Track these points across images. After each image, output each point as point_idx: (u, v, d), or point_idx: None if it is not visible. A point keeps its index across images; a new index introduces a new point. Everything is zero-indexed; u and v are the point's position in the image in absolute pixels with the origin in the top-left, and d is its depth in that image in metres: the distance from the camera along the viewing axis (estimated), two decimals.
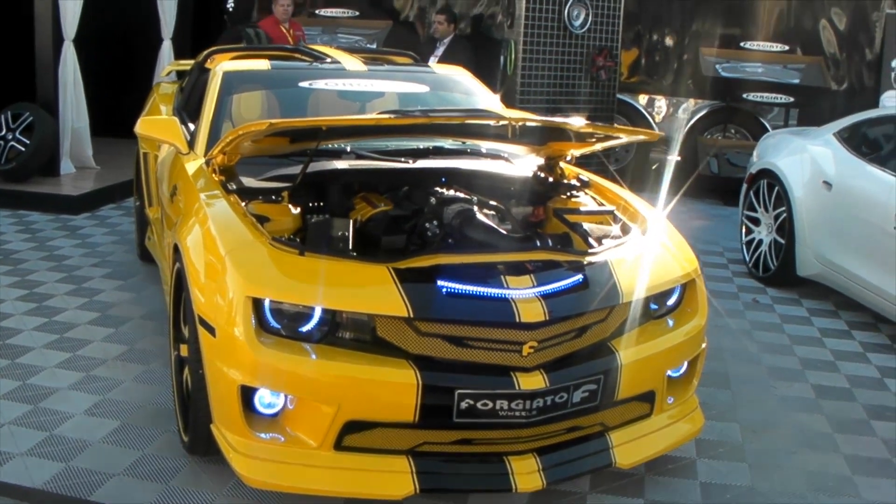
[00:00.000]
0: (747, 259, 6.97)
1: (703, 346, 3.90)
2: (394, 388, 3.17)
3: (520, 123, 3.77)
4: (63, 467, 3.67)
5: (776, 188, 6.60)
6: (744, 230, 7.08)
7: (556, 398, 3.31)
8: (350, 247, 3.58)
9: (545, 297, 3.33)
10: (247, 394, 3.26)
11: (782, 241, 6.48)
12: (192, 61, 6.63)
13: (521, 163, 4.69)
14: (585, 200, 4.38)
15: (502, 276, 3.35)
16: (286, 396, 3.28)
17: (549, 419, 3.34)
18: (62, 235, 7.07)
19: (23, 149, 8.10)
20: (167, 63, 9.04)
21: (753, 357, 5.26)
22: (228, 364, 3.24)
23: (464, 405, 3.20)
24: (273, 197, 3.91)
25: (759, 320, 5.92)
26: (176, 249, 3.90)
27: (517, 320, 3.24)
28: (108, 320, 5.30)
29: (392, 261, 3.36)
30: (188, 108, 5.49)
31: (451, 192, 4.04)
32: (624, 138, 4.50)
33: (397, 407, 3.18)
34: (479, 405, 3.21)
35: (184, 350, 3.89)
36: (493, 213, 3.96)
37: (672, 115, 10.30)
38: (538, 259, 3.54)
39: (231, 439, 3.32)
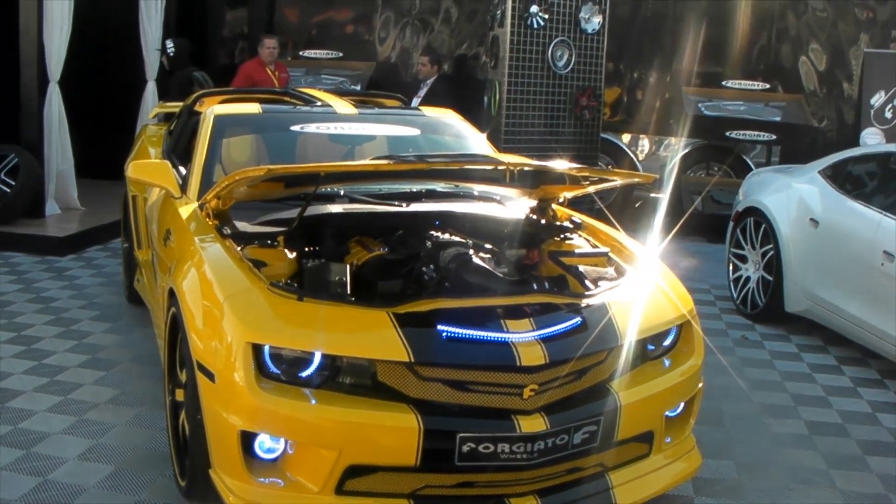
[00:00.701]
0: (735, 296, 7.01)
1: (700, 385, 3.91)
2: (395, 433, 3.15)
3: (520, 168, 3.79)
4: None
5: (763, 226, 6.66)
6: (731, 267, 7.13)
7: (557, 440, 3.31)
8: (348, 291, 3.58)
9: (545, 340, 3.34)
10: (247, 439, 3.24)
11: (770, 278, 6.53)
12: (178, 104, 6.65)
13: (514, 205, 4.71)
14: (579, 242, 4.40)
15: (502, 320, 3.36)
16: (286, 441, 3.26)
17: (551, 461, 3.34)
18: (49, 277, 7.02)
19: (7, 190, 8.08)
20: (151, 104, 9.07)
21: (745, 394, 5.28)
22: (228, 409, 3.22)
23: (465, 448, 3.19)
24: (268, 241, 3.91)
25: (749, 357, 5.95)
26: (171, 294, 3.88)
27: (518, 364, 3.24)
28: (99, 363, 5.25)
29: (391, 305, 3.36)
30: (177, 151, 5.50)
31: (447, 236, 4.05)
32: (619, 181, 4.53)
33: (399, 451, 3.17)
34: (480, 448, 3.21)
35: (179, 395, 3.86)
36: (488, 256, 3.97)
37: (655, 153, 10.39)
38: (536, 302, 3.55)
39: (231, 484, 3.29)
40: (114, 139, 8.70)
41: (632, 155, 10.20)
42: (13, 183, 7.96)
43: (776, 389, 5.39)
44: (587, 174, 4.16)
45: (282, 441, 3.27)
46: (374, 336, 3.24)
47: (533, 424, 3.25)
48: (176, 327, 3.89)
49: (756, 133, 9.56)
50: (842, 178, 6.30)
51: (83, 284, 6.86)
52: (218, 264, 3.64)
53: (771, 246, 6.54)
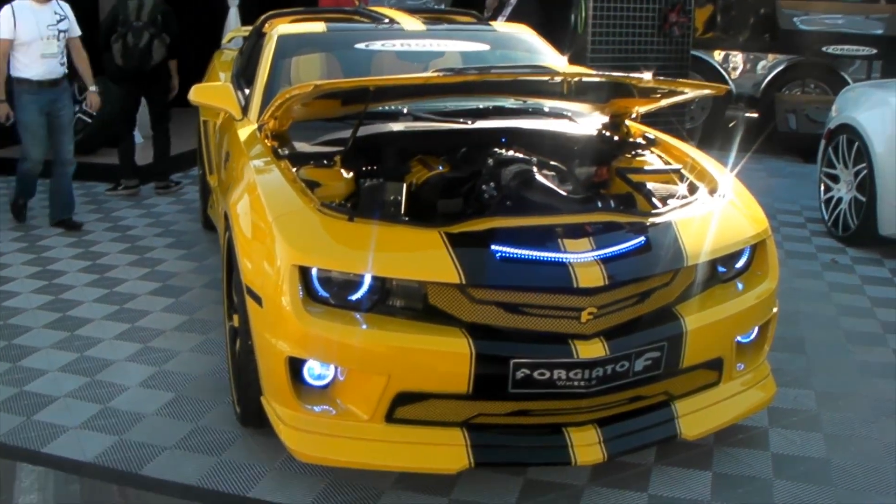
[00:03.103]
0: (826, 218, 6.67)
1: (775, 310, 3.69)
2: (446, 358, 3.04)
3: (579, 79, 3.58)
4: (116, 440, 3.63)
5: (856, 144, 6.27)
6: (822, 188, 6.78)
7: (617, 367, 3.15)
8: (403, 211, 3.44)
9: (604, 260, 3.16)
10: (295, 365, 3.16)
11: (863, 199, 6.17)
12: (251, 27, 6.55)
13: (585, 121, 4.49)
14: (651, 159, 4.17)
15: (560, 240, 3.19)
16: (336, 368, 3.18)
17: (610, 389, 3.18)
18: (128, 206, 7.08)
19: (89, 120, 8.14)
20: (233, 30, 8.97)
21: (831, 321, 5.01)
22: (276, 335, 3.15)
23: (519, 375, 3.06)
24: (325, 161, 3.79)
25: (837, 282, 5.65)
26: (226, 217, 3.82)
27: (575, 285, 3.07)
28: (169, 290, 5.27)
29: (445, 225, 3.21)
30: (246, 74, 5.40)
31: (510, 153, 3.87)
32: (689, 93, 4.27)
33: (450, 377, 3.06)
34: (535, 375, 3.07)
35: (236, 320, 3.82)
36: (553, 173, 3.79)
37: (748, 71, 9.91)
38: (598, 221, 3.36)
39: (280, 412, 3.23)
40: (196, 67, 8.65)
41: (724, 72, 9.75)
42: (94, 114, 7.99)
43: (865, 316, 5.10)
44: (654, 86, 3.92)
45: (332, 367, 3.18)
46: (425, 257, 3.11)
47: (591, 350, 3.09)
48: (232, 251, 3.83)
49: (856, 48, 9.03)
50: None
51: (161, 212, 6.90)
52: (270, 185, 3.54)
53: (865, 165, 6.16)
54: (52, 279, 5.41)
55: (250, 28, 6.58)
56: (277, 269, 3.14)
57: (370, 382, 3.10)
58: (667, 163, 4.12)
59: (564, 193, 3.61)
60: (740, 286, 3.61)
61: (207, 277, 5.46)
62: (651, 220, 3.42)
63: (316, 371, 3.20)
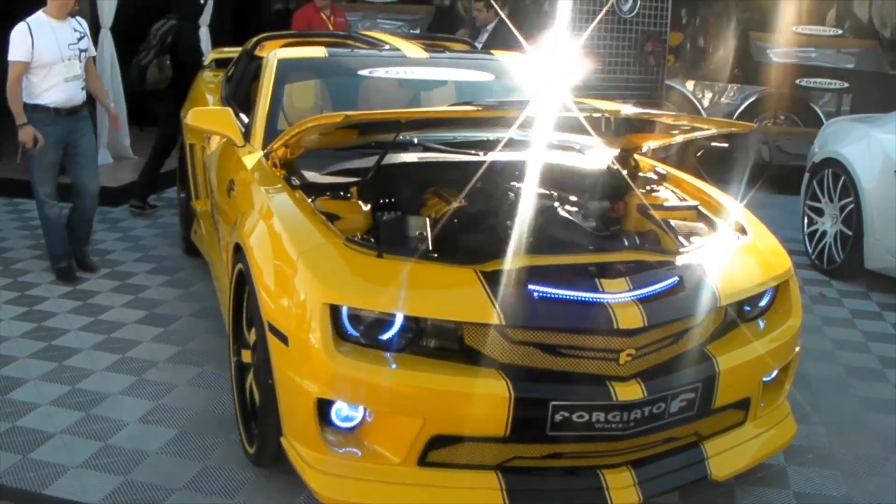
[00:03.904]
0: (810, 251, 6.70)
1: (797, 349, 3.66)
2: (484, 401, 2.94)
3: (608, 115, 3.53)
4: (121, 481, 3.46)
5: (842, 178, 6.32)
6: (806, 221, 6.81)
7: (654, 409, 3.08)
8: (430, 247, 3.34)
9: (642, 301, 3.09)
10: (323, 406, 3.04)
11: (849, 233, 6.21)
12: (235, 49, 6.42)
13: (594, 155, 4.43)
14: (665, 195, 4.13)
15: (597, 280, 3.11)
16: (365, 409, 3.06)
17: (646, 431, 3.11)
18: (103, 228, 6.85)
19: None
20: (205, 50, 8.81)
21: (828, 355, 5.01)
22: (304, 375, 3.02)
23: (558, 418, 2.98)
24: (341, 193, 3.68)
25: (828, 316, 5.66)
26: (238, 249, 3.68)
27: (615, 326, 3.00)
28: (157, 319, 5.09)
29: (476, 262, 3.12)
30: (237, 98, 5.28)
31: (530, 188, 3.79)
32: (713, 130, 4.23)
33: (488, 420, 2.96)
34: (574, 418, 2.99)
35: (246, 356, 3.68)
36: (575, 209, 3.72)
37: (720, 101, 10.01)
38: (629, 260, 3.29)
39: (305, 454, 3.10)
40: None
41: (696, 102, 9.81)
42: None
43: (860, 350, 5.11)
44: (684, 123, 3.88)
45: (360, 409, 3.07)
46: (462, 296, 3.01)
47: (629, 392, 3.02)
48: (242, 284, 3.70)
49: (827, 81, 9.16)
50: None
51: (138, 236, 6.70)
52: (289, 218, 3.42)
53: (850, 199, 6.21)
54: (32, 305, 5.21)
55: (233, 49, 6.48)
56: (305, 306, 3.03)
57: (403, 425, 2.99)
58: (682, 199, 4.08)
59: (589, 230, 3.54)
60: (761, 325, 3.58)
61: (195, 306, 5.29)
62: (681, 258, 3.37)
63: (344, 412, 3.08)
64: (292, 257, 3.18)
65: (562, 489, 3.10)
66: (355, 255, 3.13)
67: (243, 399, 3.74)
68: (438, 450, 3.01)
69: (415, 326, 3.03)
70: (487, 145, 4.20)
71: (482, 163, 3.98)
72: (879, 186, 5.98)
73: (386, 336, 3.03)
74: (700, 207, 3.97)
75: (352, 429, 3.10)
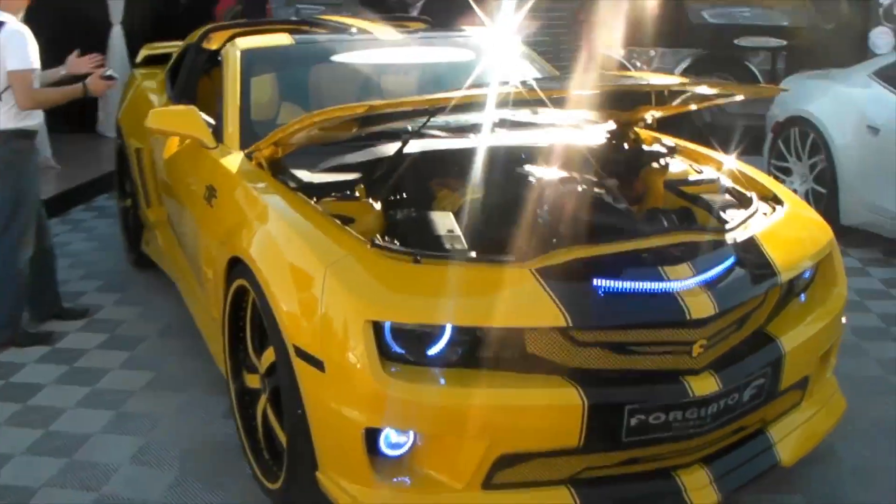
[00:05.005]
0: None
1: (844, 320, 3.44)
2: (556, 412, 2.63)
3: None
4: None
5: (811, 136, 6.18)
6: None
7: (729, 400, 2.83)
8: (465, 245, 2.99)
9: (708, 286, 2.81)
10: (370, 435, 2.69)
11: (822, 190, 6.08)
12: (168, 44, 5.94)
13: (594, 131, 4.14)
14: (681, 167, 3.86)
15: (658, 268, 2.82)
16: (415, 433, 2.71)
17: (721, 424, 2.85)
18: None
19: None
20: (119, 49, 8.28)
21: None
22: (347, 403, 2.66)
23: (634, 422, 2.69)
24: (347, 192, 3.31)
25: None
26: (235, 263, 3.28)
27: (688, 317, 2.72)
28: (120, 342, 4.62)
29: (526, 259, 2.80)
30: (186, 96, 4.83)
31: (550, 172, 3.48)
32: (740, 96, 3.96)
33: (560, 433, 2.65)
34: (650, 420, 2.70)
35: (252, 381, 3.31)
36: (603, 192, 3.42)
37: (656, 66, 9.82)
38: (680, 242, 3.00)
39: (352, 490, 2.74)
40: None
41: (630, 68, 9.61)
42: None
43: (860, 310, 4.95)
44: (717, 91, 3.62)
45: (410, 433, 2.72)
46: (520, 299, 2.68)
47: (705, 386, 2.75)
48: (240, 302, 3.31)
49: (764, 39, 9.04)
50: None
51: (77, 251, 6.13)
52: (302, 225, 3.04)
53: (821, 157, 6.08)
54: None
55: (167, 44, 6.00)
56: (344, 326, 2.66)
57: (465, 447, 2.65)
58: (698, 171, 3.82)
59: (626, 213, 3.26)
60: (802, 297, 3.36)
61: (159, 324, 4.83)
62: (731, 235, 3.10)
63: (393, 439, 2.73)
64: (318, 271, 2.79)
65: (639, 496, 2.83)
66: (388, 262, 2.77)
67: (248, 428, 3.36)
68: (505, 470, 2.69)
69: (466, 338, 2.69)
70: (482, 129, 3.85)
71: (489, 148, 3.65)
72: (852, 142, 5.87)
73: (435, 351, 2.68)
74: (723, 178, 3.71)
75: (401, 456, 2.75)
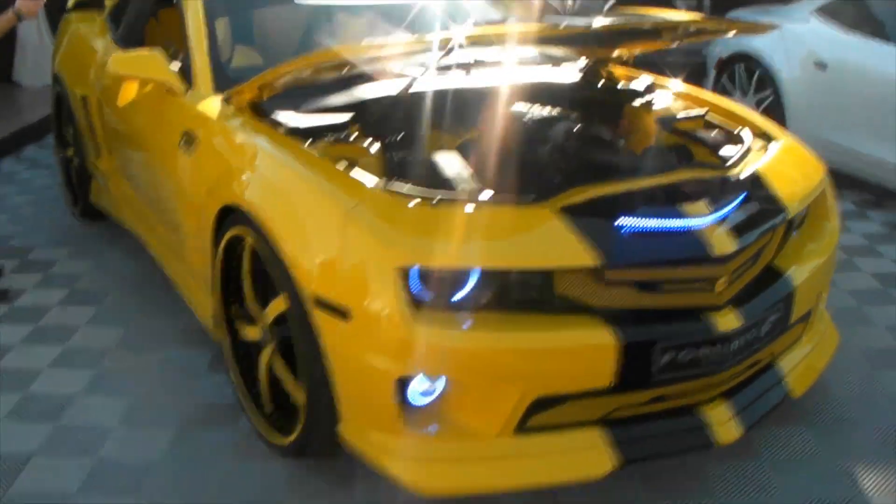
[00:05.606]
0: None
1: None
2: (590, 352, 2.60)
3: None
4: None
5: (757, 72, 6.25)
6: None
7: (749, 335, 2.86)
8: (477, 186, 2.91)
9: (728, 222, 2.82)
10: (399, 384, 2.62)
11: None
12: None
13: (570, 68, 4.08)
14: (664, 103, 3.84)
15: (677, 205, 2.80)
16: (446, 380, 2.66)
17: (741, 359, 2.88)
18: None
19: None
20: None
21: (845, 263, 4.82)
22: (376, 352, 2.58)
23: (664, 359, 2.69)
24: (342, 135, 3.19)
25: None
26: (227, 212, 3.15)
27: (710, 253, 2.72)
28: (82, 297, 4.42)
29: (547, 198, 2.74)
30: (134, 38, 4.60)
31: (539, 110, 3.42)
32: (733, 32, 3.94)
33: (594, 373, 2.63)
34: (679, 357, 2.70)
35: (251, 333, 3.20)
36: (600, 129, 3.38)
37: (578, 7, 9.77)
38: (687, 179, 2.99)
39: (380, 441, 2.69)
40: None
41: (555, 8, 9.54)
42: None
43: (870, 255, 4.96)
44: (703, 25, 3.60)
45: (440, 381, 2.66)
46: (548, 239, 2.63)
47: (728, 322, 2.76)
48: (232, 252, 3.19)
49: None
50: (847, 16, 5.91)
51: (16, 204, 5.82)
52: (308, 170, 2.92)
53: (768, 92, 6.16)
54: None
55: None
56: (370, 273, 2.57)
57: (498, 392, 2.61)
58: (688, 107, 3.81)
59: (628, 151, 3.23)
60: (794, 233, 3.40)
61: (117, 277, 4.63)
62: (734, 171, 3.11)
63: (422, 387, 2.67)
64: (335, 217, 2.69)
65: (666, 434, 2.83)
66: (406, 206, 2.69)
67: (247, 381, 3.27)
68: (539, 414, 2.66)
69: (493, 281, 2.63)
70: (461, 68, 3.74)
71: (475, 88, 3.58)
72: (800, 78, 5.95)
73: (462, 295, 2.62)
74: (710, 114, 3.71)
75: (430, 404, 2.69)
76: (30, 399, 3.52)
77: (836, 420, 3.36)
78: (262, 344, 3.14)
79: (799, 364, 3.24)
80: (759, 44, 6.27)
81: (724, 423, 2.87)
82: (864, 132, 5.53)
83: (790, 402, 3.24)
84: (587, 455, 2.70)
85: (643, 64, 4.13)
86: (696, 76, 6.95)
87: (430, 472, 2.64)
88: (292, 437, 2.99)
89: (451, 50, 2.93)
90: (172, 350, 3.88)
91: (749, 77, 6.36)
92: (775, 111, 6.07)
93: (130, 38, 4.65)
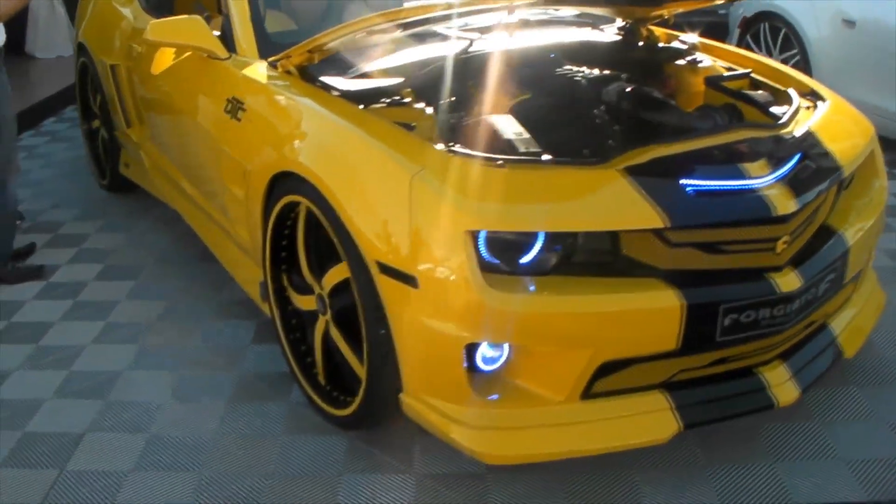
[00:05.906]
0: None
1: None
2: (657, 315, 2.58)
3: None
4: (202, 479, 2.92)
5: (782, 31, 6.20)
6: None
7: (808, 296, 2.84)
8: (537, 148, 2.88)
9: (786, 181, 2.80)
10: (468, 351, 2.60)
11: None
12: None
13: (610, 29, 4.04)
14: (708, 64, 3.80)
15: (739, 165, 2.78)
16: (511, 346, 2.65)
17: (800, 320, 2.87)
18: None
19: None
20: None
21: None
22: (445, 318, 2.56)
23: (728, 321, 2.67)
24: (397, 98, 3.16)
25: None
26: (280, 178, 3.11)
27: (773, 213, 2.70)
28: (118, 272, 4.40)
29: (610, 159, 2.72)
30: (164, 5, 4.56)
31: (589, 71, 3.38)
32: None
33: (660, 336, 2.61)
34: (742, 318, 2.69)
35: (305, 303, 3.19)
36: (653, 89, 3.35)
37: None
38: (744, 138, 2.96)
39: (447, 410, 2.67)
40: None
41: None
42: None
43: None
44: None
45: (505, 346, 2.65)
46: (615, 201, 2.60)
47: (789, 282, 2.74)
48: (283, 220, 3.16)
49: None
50: None
51: (39, 179, 5.81)
52: (368, 134, 2.89)
53: (795, 52, 6.11)
54: None
55: None
56: (440, 238, 2.55)
57: (565, 357, 2.60)
58: (730, 68, 3.77)
59: (682, 110, 3.20)
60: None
61: (152, 250, 4.62)
62: (788, 130, 3.08)
63: (488, 353, 2.66)
64: (401, 182, 2.66)
65: (728, 396, 2.83)
66: (471, 169, 2.66)
67: (298, 352, 3.26)
68: (605, 378, 2.65)
69: (559, 244, 2.61)
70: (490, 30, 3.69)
71: (526, 49, 3.54)
72: (828, 36, 5.90)
73: (529, 259, 2.60)
74: (754, 74, 3.67)
75: (495, 370, 2.68)
76: (76, 376, 3.51)
77: (883, 379, 3.35)
78: (316, 314, 3.12)
79: (850, 324, 3.22)
80: (786, 3, 6.20)
81: (782, 384, 2.86)
82: (894, 91, 5.48)
83: (841, 363, 3.23)
84: (652, 419, 2.70)
85: (661, 23, 4.07)
86: (716, 35, 6.90)
87: (495, 439, 2.63)
88: (353, 408, 2.98)
89: (513, 10, 2.89)
90: (215, 322, 3.87)
91: (774, 36, 6.31)
92: (802, 71, 6.00)
93: (161, 5, 4.60)
